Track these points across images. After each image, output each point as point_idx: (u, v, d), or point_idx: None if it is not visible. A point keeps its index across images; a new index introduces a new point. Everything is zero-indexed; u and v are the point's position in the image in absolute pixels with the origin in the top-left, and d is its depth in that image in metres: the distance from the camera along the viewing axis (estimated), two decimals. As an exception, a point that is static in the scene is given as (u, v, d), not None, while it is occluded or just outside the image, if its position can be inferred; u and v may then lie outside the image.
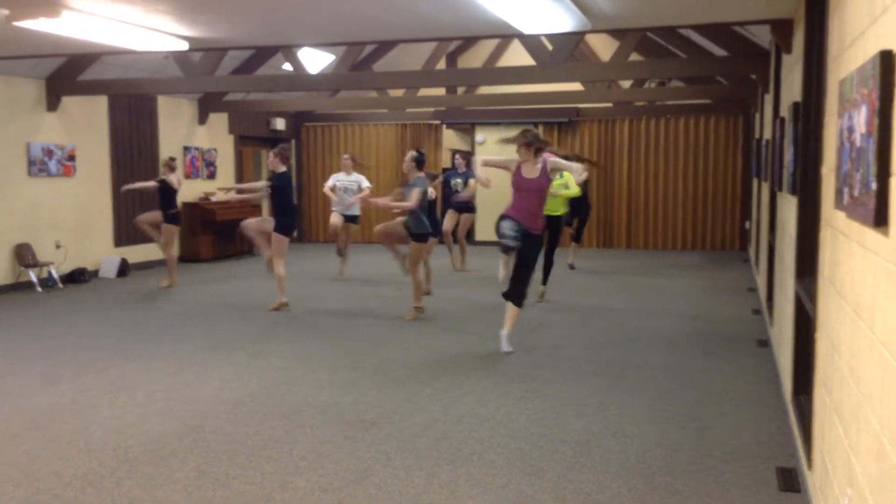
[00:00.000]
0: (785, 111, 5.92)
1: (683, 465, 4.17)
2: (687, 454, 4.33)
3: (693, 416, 4.99)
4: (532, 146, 6.55)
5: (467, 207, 11.60)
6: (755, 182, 11.45)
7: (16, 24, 5.85)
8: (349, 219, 11.07)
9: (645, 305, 9.04)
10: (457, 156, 12.07)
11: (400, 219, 8.69)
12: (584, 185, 10.85)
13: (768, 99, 8.55)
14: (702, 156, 14.59)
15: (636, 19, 6.50)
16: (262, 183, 9.10)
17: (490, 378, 5.89)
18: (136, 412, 5.10)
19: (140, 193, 11.03)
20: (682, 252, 14.43)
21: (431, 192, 10.54)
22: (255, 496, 3.79)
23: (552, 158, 6.70)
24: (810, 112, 4.52)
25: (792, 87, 5.49)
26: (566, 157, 7.91)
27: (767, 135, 8.35)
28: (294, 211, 9.11)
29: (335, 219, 10.93)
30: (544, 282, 9.13)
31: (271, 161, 8.74)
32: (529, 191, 6.53)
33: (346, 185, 11.00)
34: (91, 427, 4.80)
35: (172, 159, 10.45)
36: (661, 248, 14.87)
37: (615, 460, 4.24)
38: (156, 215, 10.31)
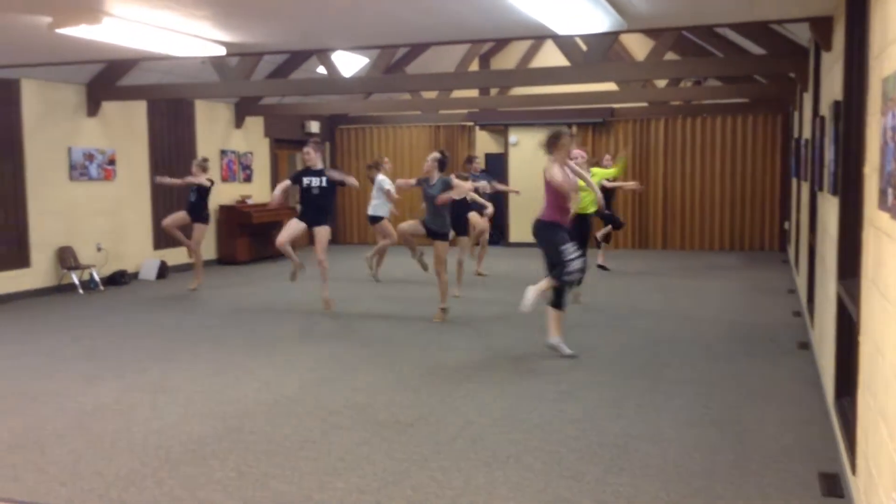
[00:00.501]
0: (825, 110, 5.83)
1: (723, 469, 4.12)
2: (726, 458, 4.29)
3: (733, 420, 4.94)
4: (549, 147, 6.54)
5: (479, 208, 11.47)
6: (794, 182, 11.28)
7: (58, 31, 5.97)
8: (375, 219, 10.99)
9: (682, 307, 8.95)
10: (475, 160, 12.02)
11: (415, 220, 8.57)
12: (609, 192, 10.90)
13: (807, 97, 8.42)
14: (739, 155, 14.42)
15: (673, 19, 6.44)
16: (287, 183, 8.88)
17: (525, 380, 5.88)
18: (177, 413, 5.17)
19: (178, 196, 11.18)
20: (720, 253, 14.26)
21: (486, 186, 10.84)
22: (294, 496, 3.83)
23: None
24: (851, 111, 4.45)
25: (832, 86, 5.40)
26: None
27: (807, 134, 8.22)
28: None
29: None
30: (579, 283, 9.06)
31: (312, 157, 8.68)
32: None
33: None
34: (133, 427, 4.88)
35: (205, 160, 10.60)
36: (697, 248, 14.72)
37: (653, 464, 4.20)
38: (182, 216, 10.34)
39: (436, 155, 8.39)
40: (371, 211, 10.92)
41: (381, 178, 10.88)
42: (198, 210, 10.30)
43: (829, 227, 5.39)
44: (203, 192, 10.29)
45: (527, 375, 6.00)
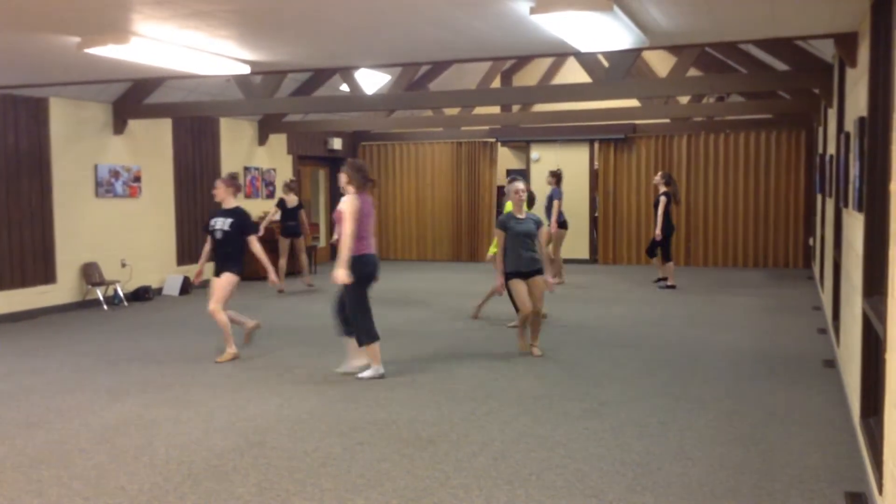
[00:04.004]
0: (850, 126, 5.78)
1: (748, 489, 4.07)
2: (751, 477, 4.23)
3: (757, 438, 4.88)
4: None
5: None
6: (819, 198, 11.18)
7: (87, 51, 6.07)
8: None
9: (706, 323, 8.88)
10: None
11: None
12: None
13: (832, 113, 8.36)
14: (763, 171, 14.32)
15: (696, 36, 6.43)
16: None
17: (547, 397, 5.85)
18: (200, 428, 5.20)
19: (202, 214, 11.47)
20: (744, 269, 14.14)
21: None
22: (314, 513, 3.83)
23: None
24: (877, 127, 4.41)
25: (857, 102, 5.36)
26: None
27: (832, 150, 8.16)
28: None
29: None
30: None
31: (220, 193, 7.43)
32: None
33: None
34: (155, 442, 4.91)
35: (293, 181, 12.13)
36: (721, 265, 14.61)
37: (677, 483, 4.16)
38: (285, 244, 12.09)
39: (519, 185, 7.24)
40: None
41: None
42: (297, 229, 12.04)
43: (854, 243, 5.34)
44: (286, 209, 11.87)
45: (550, 392, 5.97)
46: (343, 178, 6.45)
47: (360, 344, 6.49)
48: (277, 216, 12.18)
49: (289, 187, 12.05)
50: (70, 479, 4.32)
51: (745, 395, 5.89)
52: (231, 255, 7.34)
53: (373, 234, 6.54)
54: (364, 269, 6.36)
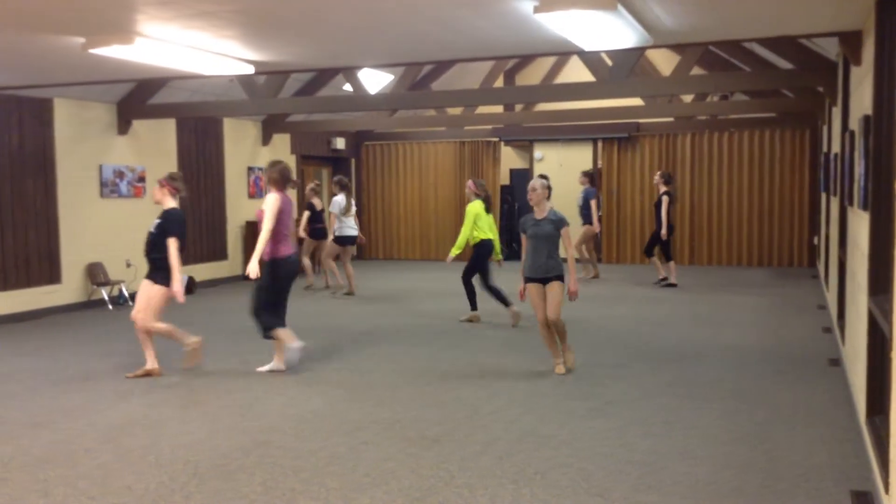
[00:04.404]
0: (855, 124, 5.77)
1: (753, 488, 4.07)
2: (757, 476, 4.23)
3: (763, 437, 4.87)
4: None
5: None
6: (823, 196, 11.16)
7: (91, 51, 6.08)
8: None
9: (710, 322, 8.87)
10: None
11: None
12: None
13: (836, 112, 8.34)
14: (767, 170, 14.30)
15: (700, 34, 6.42)
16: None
17: (551, 396, 5.85)
18: (205, 427, 5.21)
19: (207, 212, 11.45)
20: (748, 268, 14.12)
21: None
22: (320, 512, 3.83)
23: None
24: (882, 125, 4.40)
25: (862, 100, 5.36)
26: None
27: (836, 148, 8.14)
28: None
29: None
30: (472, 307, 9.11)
31: (156, 194, 6.84)
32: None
33: None
34: (161, 442, 4.92)
35: (318, 184, 12.09)
36: (725, 264, 14.59)
37: (683, 482, 4.16)
38: (323, 244, 11.80)
39: (544, 181, 6.64)
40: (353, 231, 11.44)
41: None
42: (324, 231, 11.91)
43: (859, 242, 5.33)
44: (314, 212, 11.78)
45: (555, 392, 5.97)
46: (264, 178, 6.60)
47: (265, 336, 6.67)
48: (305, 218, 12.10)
49: (314, 191, 12.00)
50: (76, 478, 4.33)
51: (750, 394, 5.89)
52: (158, 262, 6.60)
53: (291, 233, 6.78)
54: (285, 270, 6.64)
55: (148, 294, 6.60)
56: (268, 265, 6.55)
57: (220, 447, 4.80)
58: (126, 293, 10.78)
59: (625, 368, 6.74)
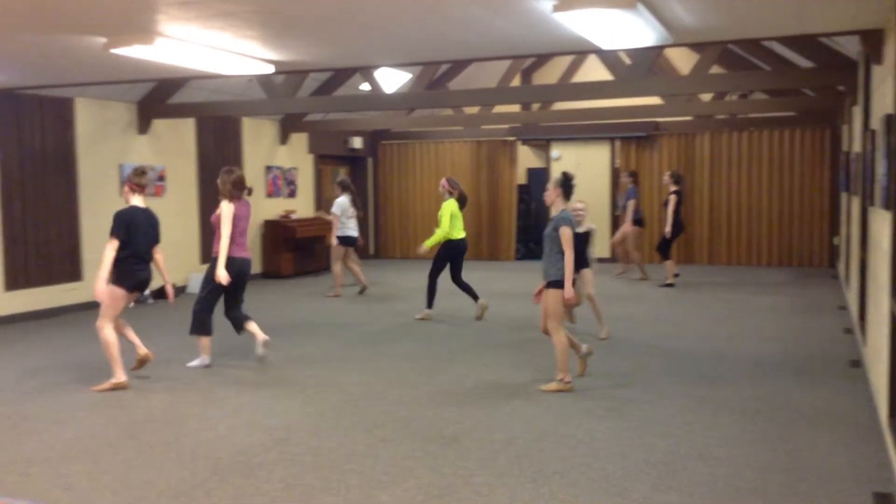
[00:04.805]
0: (876, 123, 5.72)
1: (774, 489, 4.05)
2: (778, 477, 4.21)
3: (783, 438, 4.85)
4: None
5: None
6: (844, 196, 11.07)
7: (113, 51, 6.14)
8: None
9: (729, 323, 8.82)
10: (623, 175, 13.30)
11: None
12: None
13: (857, 111, 8.28)
14: (787, 169, 14.20)
15: (720, 33, 6.39)
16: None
17: (570, 396, 5.84)
18: (225, 424, 5.24)
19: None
20: (767, 268, 14.03)
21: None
22: (340, 509, 3.85)
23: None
24: (905, 124, 4.36)
25: (884, 99, 5.31)
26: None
27: (857, 148, 8.08)
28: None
29: None
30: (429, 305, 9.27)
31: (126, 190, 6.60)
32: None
33: None
34: (182, 438, 4.96)
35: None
36: (744, 264, 14.50)
37: (703, 482, 4.14)
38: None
39: (559, 179, 6.14)
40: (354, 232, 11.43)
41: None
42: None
43: (881, 242, 5.29)
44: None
45: (573, 392, 5.96)
46: (219, 186, 6.98)
47: (192, 332, 6.92)
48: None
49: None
50: (99, 473, 4.37)
51: (770, 395, 5.85)
52: (115, 262, 6.24)
53: (244, 236, 7.01)
54: (232, 270, 6.80)
55: (103, 297, 6.26)
56: (213, 262, 6.84)
57: (240, 443, 4.83)
58: (147, 291, 10.85)
59: (643, 368, 6.72)
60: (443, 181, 9.45)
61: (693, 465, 4.40)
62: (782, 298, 10.54)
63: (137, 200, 6.52)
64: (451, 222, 9.09)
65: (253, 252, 13.20)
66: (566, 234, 5.89)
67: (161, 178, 11.47)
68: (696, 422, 5.19)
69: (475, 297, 9.19)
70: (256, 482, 4.21)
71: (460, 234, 9.23)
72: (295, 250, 13.70)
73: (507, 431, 5.02)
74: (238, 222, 6.90)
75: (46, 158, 9.86)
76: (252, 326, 7.02)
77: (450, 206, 9.13)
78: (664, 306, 10.04)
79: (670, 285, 11.70)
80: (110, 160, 10.72)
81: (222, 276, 6.70)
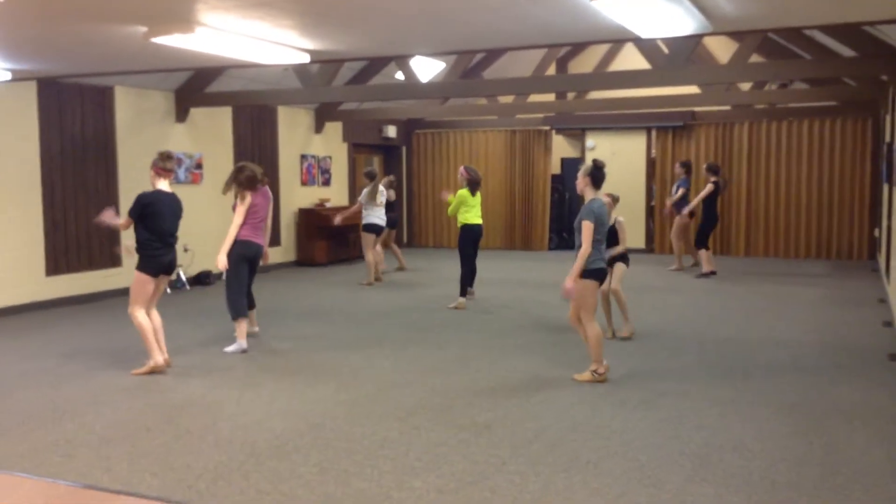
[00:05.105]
0: (922, 113, 5.60)
1: (810, 483, 4.01)
2: (813, 471, 4.17)
3: (820, 432, 4.79)
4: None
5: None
6: (885, 188, 10.86)
7: (153, 40, 6.21)
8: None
9: (766, 315, 8.72)
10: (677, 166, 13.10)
11: None
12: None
13: (901, 100, 8.11)
14: (827, 160, 13.95)
15: (760, 21, 6.29)
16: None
17: (603, 386, 5.83)
18: (261, 409, 5.32)
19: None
20: (806, 260, 13.83)
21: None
22: (373, 494, 3.89)
23: None
24: (952, 114, 4.27)
25: (930, 88, 5.20)
26: None
27: (900, 138, 7.92)
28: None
29: None
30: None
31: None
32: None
33: None
34: (219, 423, 5.04)
35: (393, 179, 12.41)
36: (782, 256, 14.30)
37: (737, 475, 4.11)
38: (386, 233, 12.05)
39: (588, 167, 6.01)
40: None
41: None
42: (395, 220, 12.42)
43: (925, 234, 5.18)
44: (394, 204, 12.24)
45: (606, 383, 5.94)
46: (234, 184, 7.22)
47: (233, 318, 7.10)
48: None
49: (390, 184, 12.18)
50: (138, 456, 4.46)
51: (807, 388, 5.79)
52: (137, 248, 6.41)
53: (262, 224, 7.27)
54: (239, 250, 7.09)
55: (132, 283, 6.34)
56: (230, 246, 7.13)
57: (276, 428, 4.90)
58: (184, 277, 11.02)
59: (678, 359, 6.67)
60: (461, 169, 9.68)
61: (728, 457, 4.37)
62: (820, 291, 10.38)
63: (163, 185, 6.57)
64: (465, 208, 9.38)
65: (286, 240, 13.39)
66: (586, 227, 5.80)
67: (198, 165, 11.61)
68: (731, 413, 5.15)
69: (469, 286, 9.51)
70: (292, 466, 4.27)
71: (476, 219, 9.45)
72: (329, 238, 13.79)
73: (540, 420, 5.02)
74: (257, 210, 7.22)
75: (86, 146, 10.03)
76: (251, 316, 7.52)
77: (463, 193, 9.43)
78: (700, 297, 9.95)
79: (707, 275, 11.59)
80: (149, 148, 10.83)
81: (221, 260, 7.05)
